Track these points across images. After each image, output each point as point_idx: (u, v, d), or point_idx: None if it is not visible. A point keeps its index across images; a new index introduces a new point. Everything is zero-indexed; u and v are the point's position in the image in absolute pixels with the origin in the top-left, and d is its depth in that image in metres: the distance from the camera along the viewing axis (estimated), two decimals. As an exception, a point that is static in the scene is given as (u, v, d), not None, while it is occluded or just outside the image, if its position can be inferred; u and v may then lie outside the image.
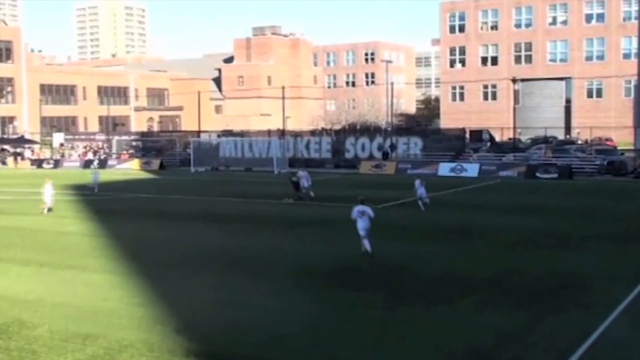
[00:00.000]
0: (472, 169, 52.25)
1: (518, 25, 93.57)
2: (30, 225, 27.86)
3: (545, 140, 66.49)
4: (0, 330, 13.09)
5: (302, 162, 60.50)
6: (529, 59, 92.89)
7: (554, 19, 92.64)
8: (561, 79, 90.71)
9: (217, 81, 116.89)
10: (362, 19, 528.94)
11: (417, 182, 32.21)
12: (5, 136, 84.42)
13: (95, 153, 73.25)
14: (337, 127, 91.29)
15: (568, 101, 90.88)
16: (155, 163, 64.34)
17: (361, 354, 11.66)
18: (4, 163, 73.31)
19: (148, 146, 74.99)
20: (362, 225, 20.33)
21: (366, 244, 20.10)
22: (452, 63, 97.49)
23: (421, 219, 28.18)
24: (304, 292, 15.98)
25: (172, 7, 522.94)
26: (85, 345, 12.14)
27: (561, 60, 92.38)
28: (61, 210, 32.55)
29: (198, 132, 74.55)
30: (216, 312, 14.36)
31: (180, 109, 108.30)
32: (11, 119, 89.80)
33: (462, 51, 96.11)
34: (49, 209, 31.36)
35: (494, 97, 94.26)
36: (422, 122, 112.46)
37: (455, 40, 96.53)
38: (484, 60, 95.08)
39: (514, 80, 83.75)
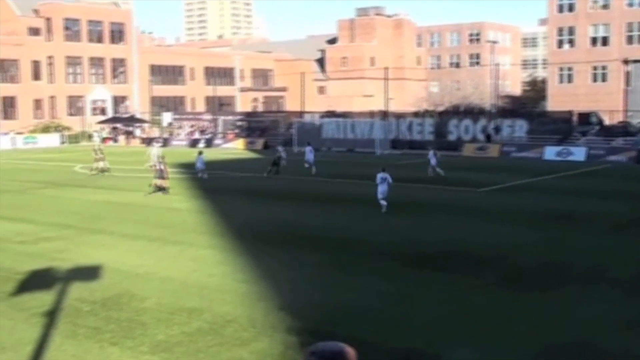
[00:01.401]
0: (579, 153, 50.85)
1: (630, 4, 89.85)
2: (140, 201, 28.86)
3: (658, 123, 63.96)
4: (111, 301, 13.69)
5: (405, 144, 60.31)
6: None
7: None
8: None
9: (321, 62, 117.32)
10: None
11: (431, 152, 39.32)
12: (117, 115, 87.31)
13: (202, 132, 74.91)
14: (440, 108, 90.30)
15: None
16: (259, 143, 65.32)
17: (458, 338, 11.65)
18: (115, 141, 75.96)
19: (252, 126, 76.09)
20: (381, 189, 25.19)
21: (383, 204, 24.97)
22: (560, 43, 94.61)
23: (524, 204, 27.69)
24: (407, 275, 16.02)
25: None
26: (191, 318, 12.57)
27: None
28: (169, 187, 33.55)
29: (301, 113, 75.11)
30: (319, 291, 14.57)
31: (284, 89, 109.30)
32: (123, 99, 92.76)
33: (571, 31, 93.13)
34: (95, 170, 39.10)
35: (604, 79, 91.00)
36: (527, 104, 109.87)
37: (563, 20, 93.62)
38: (594, 41, 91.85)
39: (626, 62, 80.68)
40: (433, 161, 38.50)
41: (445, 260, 17.43)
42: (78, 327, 12.12)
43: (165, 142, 70.60)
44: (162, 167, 31.62)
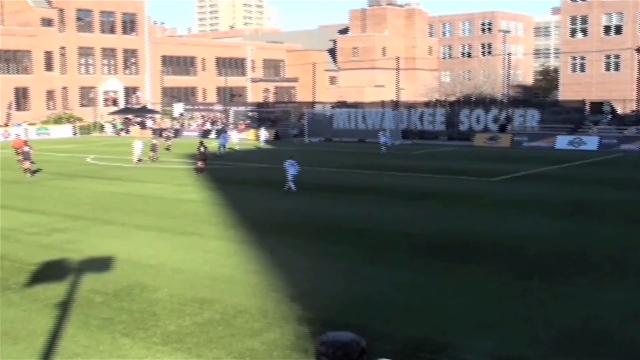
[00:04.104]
0: (591, 142, 50.62)
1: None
2: (152, 192, 28.94)
3: (672, 112, 63.54)
4: (123, 292, 13.74)
5: (416, 134, 60.23)
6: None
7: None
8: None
9: (332, 52, 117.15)
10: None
11: (381, 133, 49.74)
12: (129, 106, 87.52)
13: (213, 123, 74.99)
14: (452, 98, 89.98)
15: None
16: (271, 133, 65.42)
17: (472, 328, 11.64)
18: (127, 132, 76.16)
19: (263, 117, 76.13)
20: (292, 172, 28.26)
21: (292, 186, 28.13)
22: (572, 32, 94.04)
23: (537, 193, 27.60)
24: (419, 264, 16.00)
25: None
26: (202, 309, 12.61)
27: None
28: (180, 178, 33.67)
29: (312, 103, 75.12)
30: (330, 281, 14.58)
31: (295, 80, 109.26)
32: (134, 89, 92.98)
33: (584, 20, 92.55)
34: (140, 160, 40.18)
35: (617, 68, 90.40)
36: (539, 94, 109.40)
37: (576, 9, 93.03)
38: (607, 30, 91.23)
39: (639, 50, 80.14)
40: (383, 139, 48.99)
41: (459, 250, 17.40)
42: (90, 318, 12.17)
43: (177, 133, 70.74)
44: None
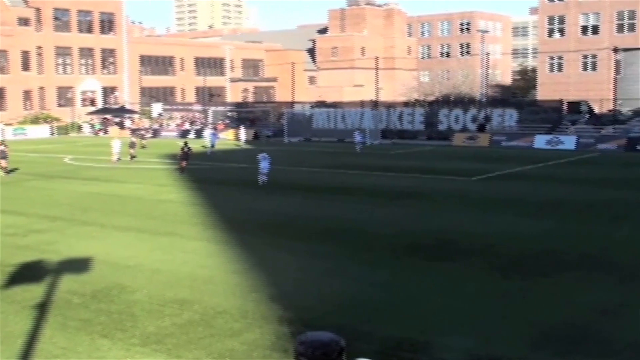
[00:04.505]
0: (569, 142, 50.99)
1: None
2: (131, 192, 28.80)
3: (648, 112, 64.08)
4: (102, 293, 13.65)
5: (395, 134, 60.39)
6: (631, 27, 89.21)
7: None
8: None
9: (311, 52, 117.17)
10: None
11: (356, 132, 51.80)
12: (107, 106, 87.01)
13: (192, 123, 74.75)
14: (431, 98, 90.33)
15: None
16: (250, 133, 65.27)
17: (451, 326, 11.66)
18: (105, 132, 75.72)
19: (243, 117, 75.97)
20: (264, 165, 29.98)
21: (264, 179, 29.93)
22: (550, 32, 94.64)
23: (516, 193, 27.77)
24: (399, 264, 16.03)
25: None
26: (182, 310, 12.55)
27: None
28: (160, 178, 33.54)
29: (292, 103, 75.03)
30: (311, 281, 14.57)
31: (274, 80, 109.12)
32: (113, 89, 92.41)
33: (562, 20, 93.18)
34: (119, 159, 40.79)
35: (594, 68, 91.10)
36: (518, 94, 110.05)
37: (554, 9, 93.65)
38: (584, 30, 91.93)
39: (616, 50, 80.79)
40: (358, 138, 50.38)
41: (438, 249, 17.45)
42: (69, 320, 12.08)
43: (155, 133, 70.45)
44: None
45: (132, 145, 44.73)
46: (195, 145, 42.39)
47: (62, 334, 11.37)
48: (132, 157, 43.61)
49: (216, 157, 44.30)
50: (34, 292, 13.71)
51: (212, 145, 49.41)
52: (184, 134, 68.06)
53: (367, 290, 13.77)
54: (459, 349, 10.69)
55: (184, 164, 35.05)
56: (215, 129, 47.96)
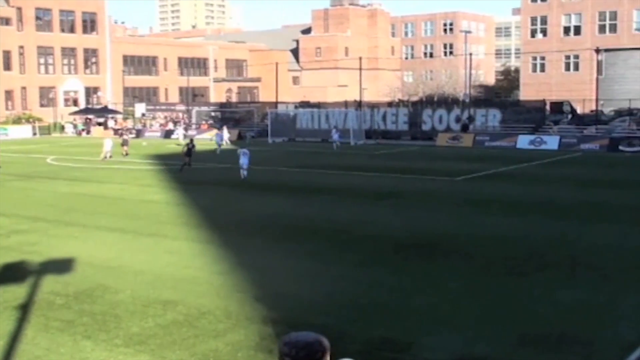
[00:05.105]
0: (552, 142, 51.26)
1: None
2: (114, 193, 28.68)
3: (630, 112, 64.43)
4: (84, 294, 13.57)
5: (379, 134, 60.50)
6: (613, 28, 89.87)
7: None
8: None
9: (295, 52, 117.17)
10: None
11: (334, 130, 54.58)
12: (90, 106, 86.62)
13: (175, 123, 74.58)
14: (414, 98, 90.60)
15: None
16: (234, 134, 65.18)
17: (435, 327, 11.68)
18: (88, 132, 75.38)
19: (226, 117, 75.87)
20: (243, 161, 31.99)
21: (244, 174, 31.87)
22: (533, 33, 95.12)
23: (499, 193, 27.87)
24: (383, 264, 16.04)
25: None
26: (165, 311, 12.50)
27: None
28: (144, 179, 33.43)
29: (276, 104, 75.01)
30: (295, 281, 14.55)
31: (258, 80, 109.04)
32: (95, 89, 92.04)
33: (544, 20, 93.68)
34: (110, 156, 43.21)
35: (576, 68, 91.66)
36: (501, 94, 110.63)
37: (536, 10, 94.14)
38: (567, 30, 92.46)
39: (598, 51, 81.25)
40: (335, 137, 53.23)
41: (423, 249, 17.47)
42: (51, 321, 12.00)
43: (139, 134, 70.19)
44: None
45: (124, 142, 47.19)
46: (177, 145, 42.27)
47: (45, 335, 11.30)
48: (126, 154, 45.81)
49: (199, 158, 44.17)
50: (16, 293, 13.61)
51: (219, 145, 51.05)
52: (167, 134, 67.89)
53: (351, 290, 13.76)
54: (442, 349, 10.70)
55: (187, 159, 36.35)
56: (219, 128, 53.20)
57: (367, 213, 23.32)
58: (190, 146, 36.89)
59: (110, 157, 43.20)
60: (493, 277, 14.72)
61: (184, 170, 35.39)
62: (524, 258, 16.44)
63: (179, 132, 63.35)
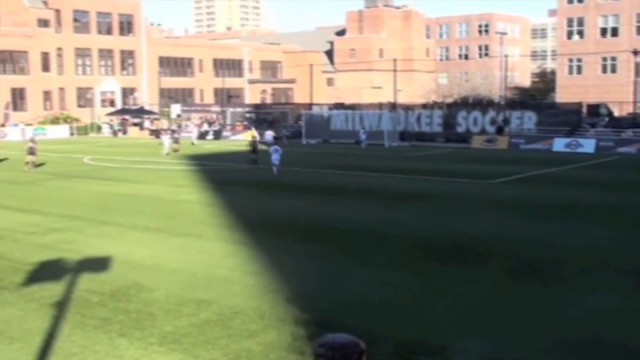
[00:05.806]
0: (588, 145, 50.69)
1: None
2: (149, 192, 28.92)
3: (668, 115, 63.60)
4: (120, 292, 13.72)
5: (413, 136, 60.26)
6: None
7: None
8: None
9: (329, 54, 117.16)
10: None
11: (361, 130, 57.20)
12: (126, 107, 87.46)
13: (210, 124, 74.97)
14: (449, 100, 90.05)
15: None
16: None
17: (467, 330, 11.63)
18: (125, 132, 76.12)
19: (261, 118, 76.10)
20: (275, 157, 34.06)
21: (275, 170, 33.93)
22: (569, 34, 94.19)
23: (534, 196, 27.62)
24: (415, 266, 15.99)
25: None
26: (199, 310, 12.59)
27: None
28: (178, 179, 33.67)
29: (310, 105, 75.07)
30: (326, 282, 14.56)
31: (292, 81, 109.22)
32: (132, 90, 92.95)
33: (580, 22, 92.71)
34: (168, 153, 46.82)
35: (613, 70, 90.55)
36: (536, 96, 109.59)
37: (573, 11, 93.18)
38: (604, 32, 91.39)
39: (635, 52, 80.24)
40: (363, 137, 55.57)
41: (454, 252, 17.39)
42: (87, 318, 12.16)
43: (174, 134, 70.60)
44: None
45: (176, 140, 51.31)
46: (212, 146, 42.49)
47: (80, 333, 11.44)
48: (176, 150, 49.29)
49: (234, 159, 44.39)
50: (53, 290, 13.81)
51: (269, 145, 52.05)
52: (202, 135, 68.27)
53: (382, 292, 13.75)
54: (475, 352, 10.66)
55: (252, 156, 39.76)
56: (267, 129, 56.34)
57: (400, 215, 23.25)
58: (256, 143, 41.07)
59: (168, 154, 46.81)
60: (526, 281, 14.60)
61: (253, 165, 38.59)
62: (558, 262, 16.28)
63: (193, 133, 65.16)
